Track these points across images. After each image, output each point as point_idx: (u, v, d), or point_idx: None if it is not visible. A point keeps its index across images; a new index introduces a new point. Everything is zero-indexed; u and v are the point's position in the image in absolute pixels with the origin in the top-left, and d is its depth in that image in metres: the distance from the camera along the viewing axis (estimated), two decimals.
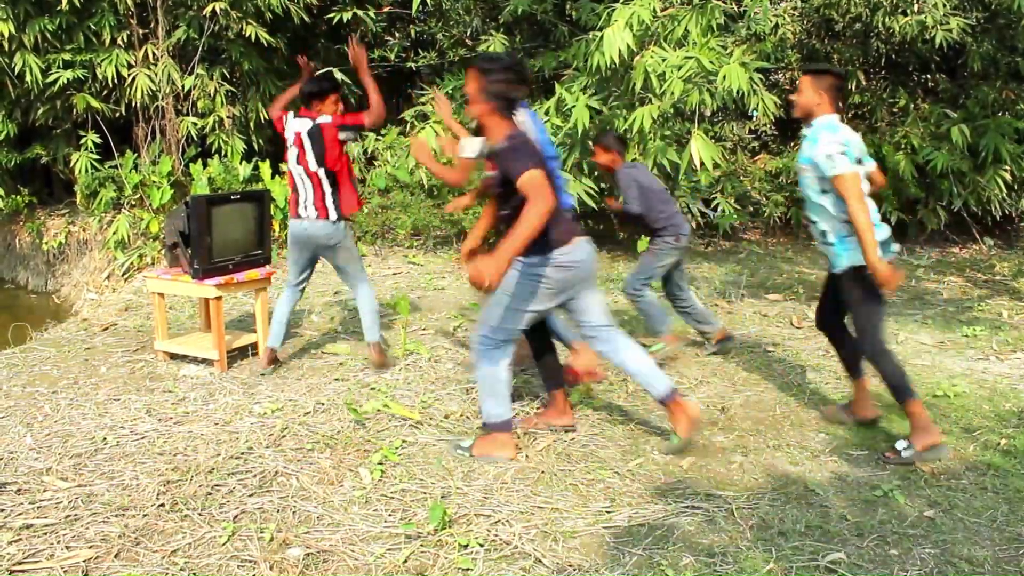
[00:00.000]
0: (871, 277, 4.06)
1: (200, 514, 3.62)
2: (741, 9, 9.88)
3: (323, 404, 4.88)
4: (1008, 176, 9.66)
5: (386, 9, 11.67)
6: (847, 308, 4.36)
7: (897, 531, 3.52)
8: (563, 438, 4.43)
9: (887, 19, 9.59)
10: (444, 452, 4.26)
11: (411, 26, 12.18)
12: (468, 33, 11.51)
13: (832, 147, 4.07)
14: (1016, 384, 5.35)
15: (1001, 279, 8.90)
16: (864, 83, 10.60)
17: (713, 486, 3.92)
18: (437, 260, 9.25)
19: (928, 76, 10.97)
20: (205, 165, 9.82)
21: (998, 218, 10.28)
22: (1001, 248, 10.46)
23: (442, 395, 5.05)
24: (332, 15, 10.87)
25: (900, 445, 4.19)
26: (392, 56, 11.69)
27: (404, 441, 4.37)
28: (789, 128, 11.13)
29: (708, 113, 9.70)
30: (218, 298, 5.48)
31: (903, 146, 9.81)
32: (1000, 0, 9.29)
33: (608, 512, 3.68)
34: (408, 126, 10.45)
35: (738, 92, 7.45)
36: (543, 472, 4.05)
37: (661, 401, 4.19)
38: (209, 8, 9.84)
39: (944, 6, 9.12)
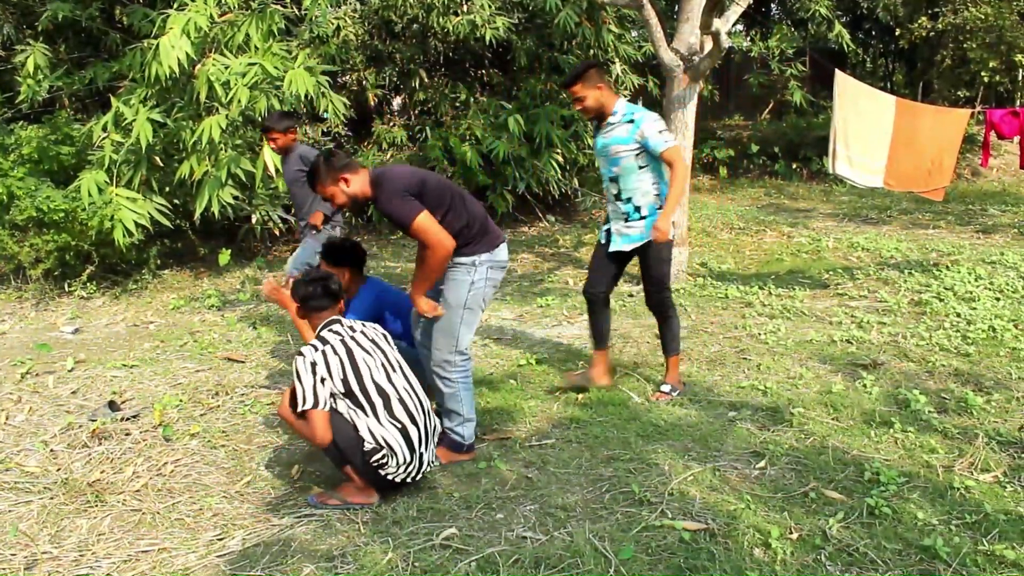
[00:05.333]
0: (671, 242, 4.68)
1: None
2: (302, 12, 9.90)
3: None
4: (560, 159, 10.75)
5: None
6: (654, 272, 4.77)
7: (500, 496, 3.77)
8: (162, 473, 4.16)
9: (441, 19, 10.18)
10: (23, 516, 3.79)
11: None
12: (0, 43, 10.28)
13: (660, 123, 4.58)
14: (586, 342, 5.97)
15: (565, 251, 9.91)
16: (427, 80, 11.16)
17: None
18: None
19: (484, 71, 11.82)
20: None
21: (557, 197, 11.40)
22: (562, 224, 11.64)
23: (15, 453, 4.48)
24: None
25: (666, 388, 4.95)
26: None
27: None
28: (362, 128, 11.40)
29: None
30: None
31: (468, 137, 10.48)
32: (536, 2, 10.27)
33: (220, 540, 3.53)
34: None
35: (306, 96, 7.45)
36: (144, 513, 3.77)
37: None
38: None
39: (489, 7, 9.87)
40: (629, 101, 4.84)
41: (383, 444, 3.60)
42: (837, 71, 7.47)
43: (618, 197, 4.77)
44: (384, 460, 3.62)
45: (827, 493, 3.65)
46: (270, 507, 3.79)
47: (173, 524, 3.68)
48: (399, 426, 3.66)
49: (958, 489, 3.64)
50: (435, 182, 4.05)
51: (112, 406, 5.00)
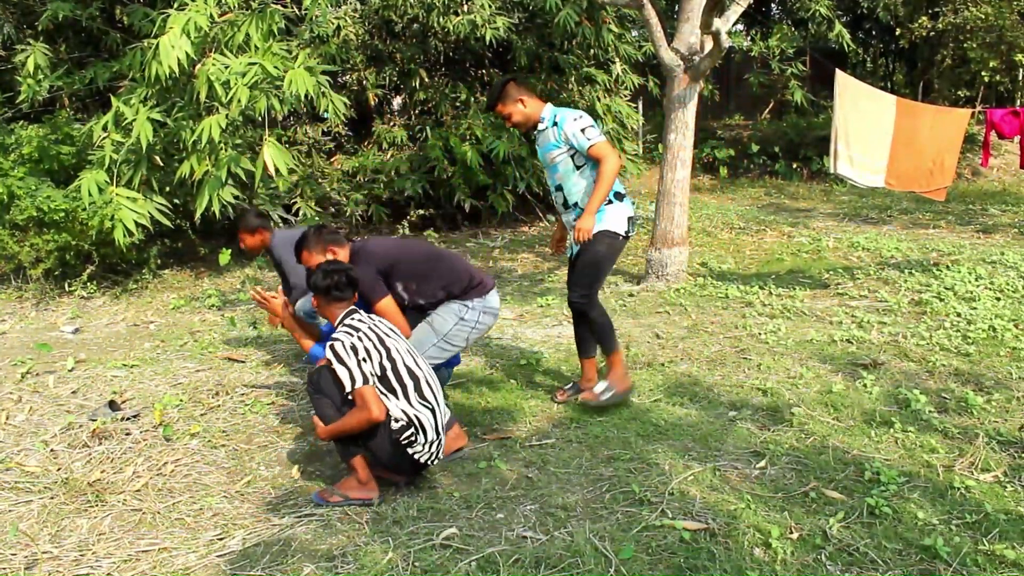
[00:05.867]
0: (614, 241, 4.58)
1: None
2: (302, 12, 9.89)
3: None
4: None
5: None
6: (578, 273, 4.65)
7: (501, 495, 3.77)
8: (162, 473, 4.16)
9: (441, 19, 10.17)
10: (23, 516, 3.79)
11: None
12: (0, 42, 10.27)
13: (582, 120, 4.51)
14: None
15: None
16: (427, 80, 11.16)
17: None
18: None
19: (483, 71, 11.82)
20: None
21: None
22: None
23: (15, 452, 4.48)
24: None
25: (599, 388, 4.70)
26: None
27: None
28: (362, 127, 11.40)
29: (280, 118, 9.61)
30: None
31: (468, 137, 10.48)
32: (536, 2, 10.27)
33: (220, 540, 3.52)
34: None
35: (307, 95, 7.45)
36: (144, 513, 3.77)
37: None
38: None
39: (490, 7, 9.87)
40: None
41: (414, 421, 3.66)
42: (838, 71, 7.47)
43: (565, 204, 4.73)
44: (413, 438, 3.67)
45: (827, 493, 3.65)
46: (270, 507, 3.79)
47: (173, 524, 3.68)
48: (429, 407, 3.73)
49: (958, 489, 3.64)
50: (408, 259, 4.35)
51: (112, 406, 5.00)
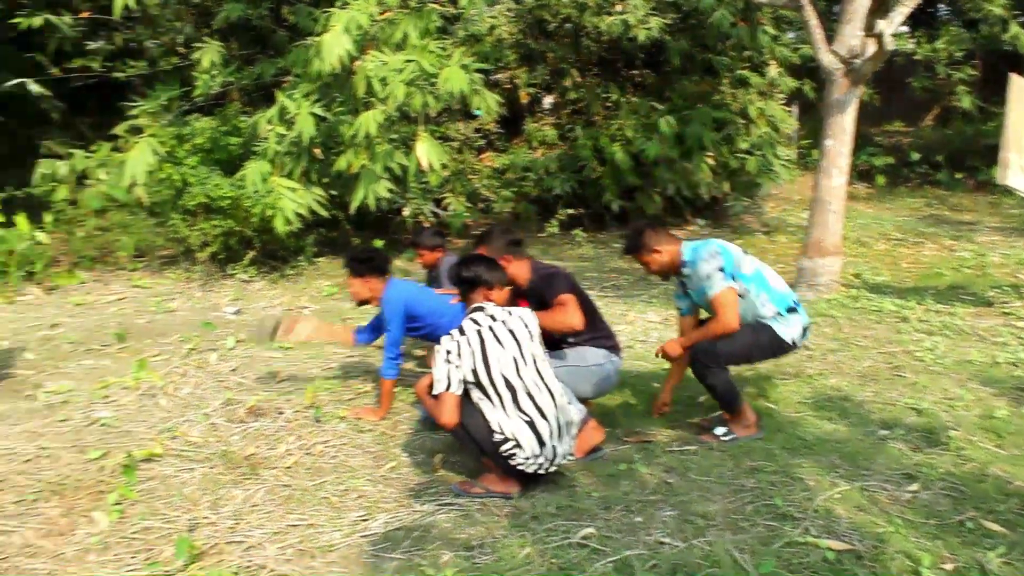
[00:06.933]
0: (777, 344, 4.39)
1: None
2: (458, 11, 10.10)
3: (46, 448, 4.46)
4: (712, 161, 10.57)
5: (85, 15, 10.80)
6: (732, 340, 4.34)
7: (640, 499, 3.75)
8: (311, 452, 4.34)
9: (594, 19, 10.19)
10: (186, 482, 4.03)
11: (116, 33, 11.35)
12: (180, 41, 10.93)
13: (713, 261, 4.29)
14: None
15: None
16: (578, 80, 11.18)
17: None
18: (165, 281, 8.74)
19: (635, 72, 11.76)
20: None
21: (707, 200, 11.22)
22: (712, 228, 11.44)
23: (181, 422, 4.78)
24: (18, 20, 9.88)
25: (720, 431, 4.42)
26: (96, 66, 10.86)
27: (143, 476, 4.09)
28: (513, 125, 11.53)
29: (433, 114, 9.84)
30: None
31: (618, 137, 10.46)
32: (690, 2, 10.15)
33: (364, 521, 3.65)
34: (122, 141, 9.79)
35: (460, 93, 7.61)
36: (294, 489, 3.95)
37: None
38: None
39: (643, 7, 9.81)
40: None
41: (508, 435, 3.69)
42: (1012, 75, 7.03)
43: None
44: (512, 451, 3.70)
45: (986, 524, 3.45)
46: (412, 493, 3.90)
47: (320, 502, 3.84)
48: (527, 419, 3.72)
49: None
50: (585, 298, 4.52)
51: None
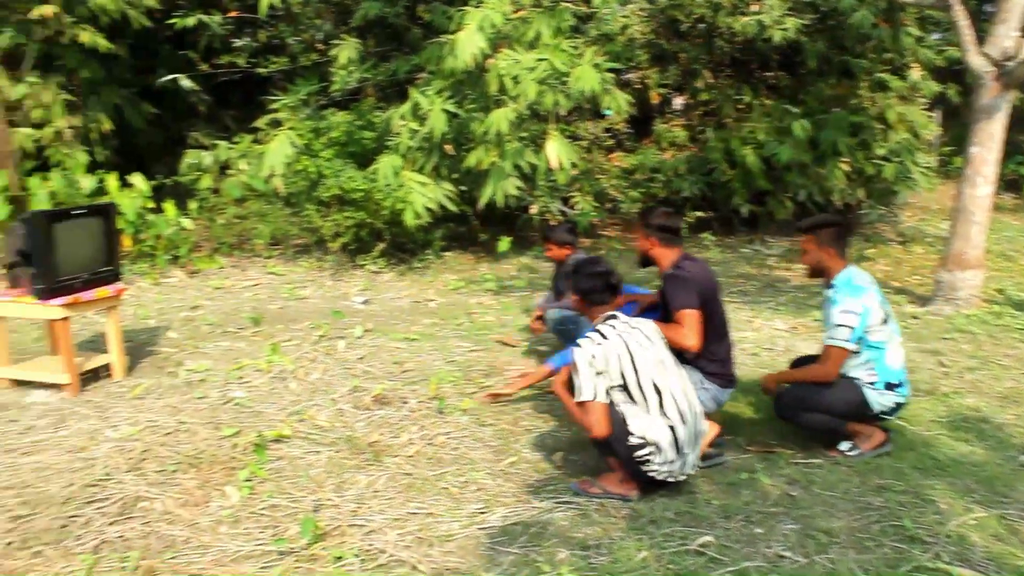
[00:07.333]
0: (860, 408, 4.22)
1: (54, 549, 3.43)
2: (590, 10, 10.09)
3: (185, 423, 4.70)
4: (847, 167, 10.22)
5: (233, 14, 11.33)
6: (816, 393, 4.24)
7: (761, 510, 3.68)
8: (433, 443, 4.43)
9: (728, 19, 10.00)
10: (312, 464, 4.18)
11: (260, 30, 11.86)
12: (319, 37, 11.32)
13: (847, 304, 4.11)
14: None
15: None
16: (711, 81, 11.01)
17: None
18: (298, 269, 9.07)
19: (769, 73, 11.48)
20: (45, 179, 9.29)
21: (840, 207, 10.87)
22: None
23: (309, 406, 4.95)
24: (175, 20, 10.47)
25: (844, 446, 4.28)
26: (242, 62, 11.37)
27: (272, 456, 4.27)
28: (643, 126, 11.44)
29: (563, 113, 9.87)
30: (65, 319, 5.20)
31: (750, 140, 10.23)
32: (829, 2, 9.83)
33: (482, 513, 3.70)
34: (262, 133, 10.22)
35: (591, 92, 7.60)
36: (415, 478, 4.04)
37: None
38: (36, 12, 9.30)
39: (780, 7, 9.57)
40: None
41: (651, 440, 3.62)
42: None
43: None
44: (649, 456, 3.64)
45: None
46: (531, 489, 3.93)
47: (440, 492, 3.91)
48: (669, 424, 3.66)
49: None
50: (711, 315, 4.26)
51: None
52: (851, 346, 4.12)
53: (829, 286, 4.28)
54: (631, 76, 11.13)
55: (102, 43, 9.72)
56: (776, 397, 4.38)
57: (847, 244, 4.36)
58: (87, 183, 9.20)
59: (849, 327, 4.09)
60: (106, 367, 5.60)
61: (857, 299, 4.12)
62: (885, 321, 4.20)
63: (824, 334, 4.23)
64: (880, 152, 10.23)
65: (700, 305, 4.17)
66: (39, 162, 9.89)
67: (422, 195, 7.97)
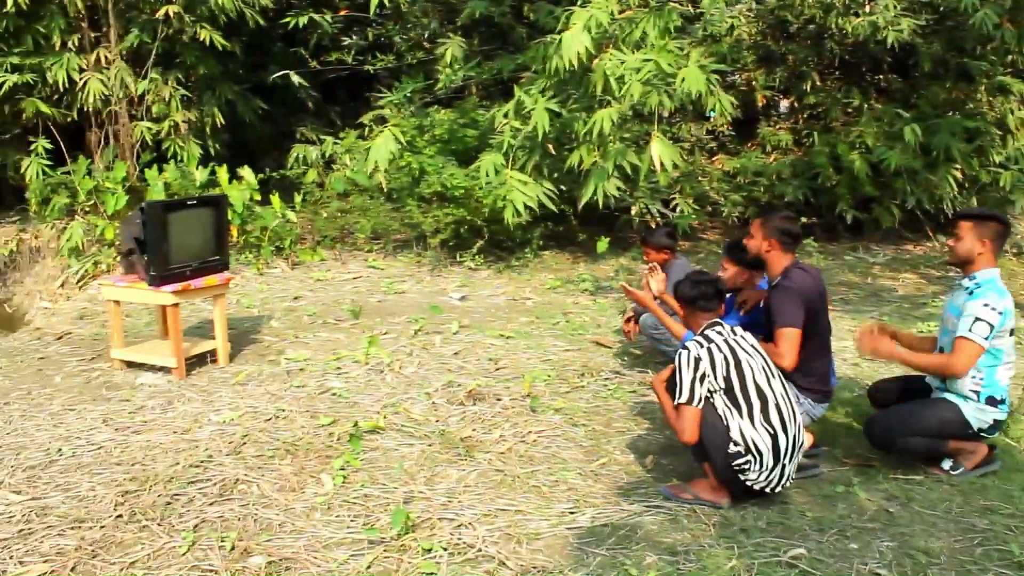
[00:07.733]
0: (960, 426, 4.04)
1: (159, 524, 3.57)
2: (697, 11, 9.95)
3: (284, 411, 4.83)
4: (959, 175, 9.81)
5: (343, 12, 11.60)
6: (921, 413, 4.13)
7: (856, 525, 3.57)
8: (525, 440, 4.44)
9: (840, 20, 9.71)
10: (406, 456, 4.24)
11: (368, 29, 12.10)
12: (426, 36, 11.47)
13: (993, 303, 3.91)
14: None
15: (954, 275, 9.05)
16: (818, 83, 10.73)
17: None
18: (397, 264, 9.21)
19: (880, 76, 11.12)
20: (161, 170, 9.69)
21: (950, 216, 10.44)
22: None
23: (404, 399, 5.03)
24: (288, 19, 10.78)
25: (947, 464, 4.11)
26: (349, 59, 11.62)
27: (367, 446, 4.35)
28: (747, 128, 11.23)
29: (666, 114, 9.75)
30: (175, 305, 5.41)
31: (857, 145, 9.92)
32: (949, 2, 9.45)
33: (572, 513, 3.69)
34: (367, 129, 10.43)
35: (696, 93, 7.49)
36: (505, 475, 4.05)
37: None
38: (162, 12, 9.71)
39: (895, 8, 9.25)
40: None
41: (751, 447, 3.55)
42: None
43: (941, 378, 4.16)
44: (747, 465, 3.57)
45: None
46: (621, 491, 3.90)
47: (530, 490, 3.92)
48: (771, 432, 3.58)
49: None
50: (813, 327, 4.14)
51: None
52: (987, 344, 3.92)
53: (970, 277, 4.07)
54: (736, 78, 10.93)
55: (219, 41, 10.08)
56: (865, 426, 4.24)
57: (1001, 248, 4.17)
58: (200, 175, 9.55)
59: (990, 324, 3.89)
60: (211, 353, 5.80)
61: (1002, 299, 3.94)
62: (1012, 332, 4.01)
63: (956, 326, 3.99)
64: (997, 159, 9.80)
65: (804, 321, 4.06)
66: (156, 154, 10.31)
67: (522, 193, 7.99)
